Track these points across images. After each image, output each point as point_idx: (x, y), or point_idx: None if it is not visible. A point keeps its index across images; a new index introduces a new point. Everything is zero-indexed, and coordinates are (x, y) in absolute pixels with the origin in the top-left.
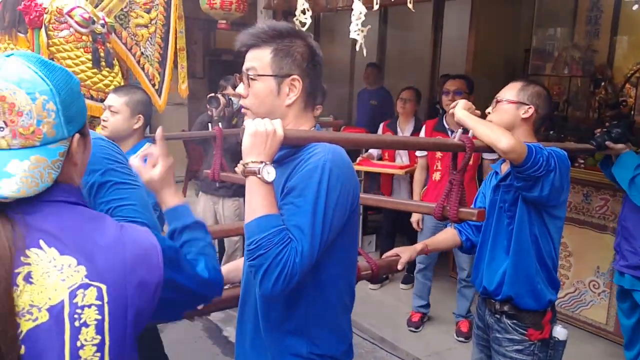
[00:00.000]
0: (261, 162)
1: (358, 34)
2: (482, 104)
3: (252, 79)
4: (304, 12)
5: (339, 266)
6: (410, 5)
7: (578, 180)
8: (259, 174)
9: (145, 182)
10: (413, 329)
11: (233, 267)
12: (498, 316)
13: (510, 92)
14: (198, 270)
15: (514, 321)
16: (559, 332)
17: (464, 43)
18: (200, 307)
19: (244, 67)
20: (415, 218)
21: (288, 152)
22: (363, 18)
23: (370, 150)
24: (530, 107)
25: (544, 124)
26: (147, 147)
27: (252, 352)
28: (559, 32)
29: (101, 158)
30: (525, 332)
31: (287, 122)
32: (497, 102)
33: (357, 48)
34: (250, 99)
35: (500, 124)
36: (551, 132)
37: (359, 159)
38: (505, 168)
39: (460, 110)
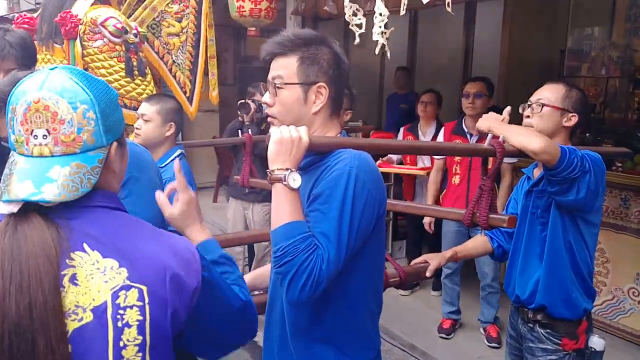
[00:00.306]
0: (287, 169)
1: (381, 36)
2: (516, 107)
3: (278, 87)
4: (355, 14)
5: (366, 273)
6: (449, 8)
7: (615, 184)
8: (285, 180)
9: (166, 218)
10: (444, 336)
11: (260, 273)
12: (531, 325)
13: (553, 96)
14: (236, 291)
15: (548, 330)
16: (596, 342)
17: (497, 44)
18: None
19: (270, 76)
20: (427, 220)
21: (314, 159)
22: (386, 20)
23: (390, 154)
24: (574, 115)
25: (580, 129)
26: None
27: (279, 359)
28: (596, 31)
29: (129, 164)
30: (559, 342)
31: (314, 129)
32: (543, 105)
33: (377, 51)
34: (277, 107)
35: (543, 130)
36: (587, 135)
37: (378, 162)
38: (537, 173)
39: (483, 122)
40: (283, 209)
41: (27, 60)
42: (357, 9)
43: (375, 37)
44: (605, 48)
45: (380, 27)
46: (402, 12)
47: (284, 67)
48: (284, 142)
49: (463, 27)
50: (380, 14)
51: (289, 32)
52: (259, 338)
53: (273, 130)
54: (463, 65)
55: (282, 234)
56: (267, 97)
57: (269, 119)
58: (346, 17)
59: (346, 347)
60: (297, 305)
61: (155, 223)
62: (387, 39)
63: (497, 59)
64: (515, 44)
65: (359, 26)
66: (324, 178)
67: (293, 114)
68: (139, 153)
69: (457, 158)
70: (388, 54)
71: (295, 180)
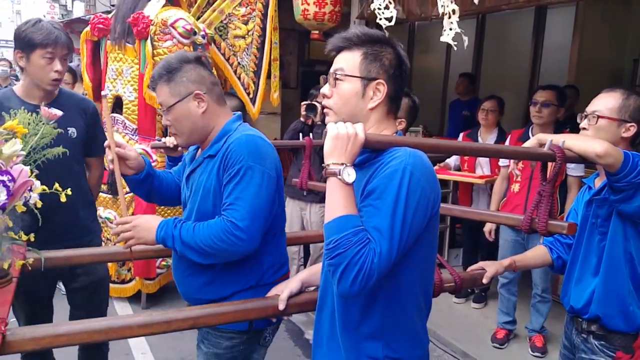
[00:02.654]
0: (342, 163)
1: (452, 37)
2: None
3: (338, 79)
4: (387, 7)
5: (417, 271)
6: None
7: None
8: (340, 175)
9: None
10: (497, 346)
11: (316, 270)
12: (585, 336)
13: (609, 106)
14: None
15: (602, 342)
16: None
17: (567, 51)
18: (281, 307)
19: (332, 69)
20: (488, 228)
21: (370, 156)
22: (454, 17)
23: (447, 160)
24: (632, 125)
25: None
26: None
27: (328, 353)
28: None
29: (247, 154)
30: (613, 354)
31: (369, 126)
32: (599, 117)
33: (454, 47)
34: (335, 98)
35: None
36: None
37: (435, 168)
38: (598, 182)
39: (535, 139)
40: (337, 203)
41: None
42: (389, 2)
43: (444, 38)
44: None
45: (446, 28)
46: (450, 12)
47: (347, 61)
48: (340, 137)
49: (532, 33)
50: (454, 12)
51: (357, 29)
52: (311, 336)
53: (330, 126)
54: (531, 72)
55: (335, 227)
56: (326, 89)
57: (325, 111)
58: (376, 6)
59: (394, 342)
60: (348, 297)
61: (261, 212)
62: (453, 38)
63: (566, 66)
64: (586, 52)
65: (389, 19)
66: (378, 174)
67: (349, 107)
68: (258, 144)
69: (519, 165)
70: (454, 47)
71: (350, 175)
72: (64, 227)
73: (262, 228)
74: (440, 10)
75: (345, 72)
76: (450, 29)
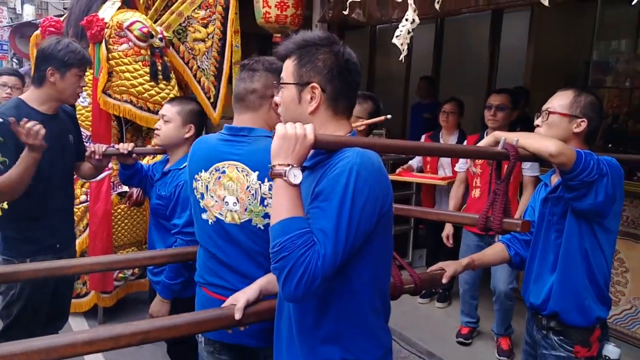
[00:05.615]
0: (288, 164)
1: (401, 43)
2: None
3: (280, 88)
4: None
5: (370, 271)
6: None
7: (636, 194)
8: (285, 176)
9: None
10: (462, 340)
11: (273, 277)
12: (545, 332)
13: (561, 102)
14: None
15: (561, 337)
16: (611, 351)
17: (523, 55)
18: (237, 316)
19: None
20: (445, 232)
21: (322, 157)
22: (410, 26)
23: (410, 162)
24: (583, 121)
25: (596, 136)
26: None
27: (288, 359)
28: (622, 44)
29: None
30: (571, 349)
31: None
32: (550, 113)
33: (401, 58)
34: (281, 107)
35: (553, 138)
36: (609, 145)
37: (398, 170)
38: (554, 180)
39: (491, 137)
40: (282, 205)
41: None
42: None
43: (394, 40)
44: (630, 61)
45: (402, 31)
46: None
47: (285, 68)
48: (288, 137)
49: (489, 37)
50: (413, 21)
51: (298, 35)
52: None
53: (278, 125)
54: (488, 76)
55: (280, 230)
56: (277, 98)
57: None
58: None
59: (352, 345)
60: (293, 301)
61: None
62: (408, 44)
63: (522, 69)
64: (541, 55)
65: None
66: (326, 176)
67: (290, 112)
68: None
69: (478, 169)
70: (401, 57)
71: (296, 176)
72: (59, 225)
73: None
74: (409, 18)
75: (283, 80)
76: (410, 41)
